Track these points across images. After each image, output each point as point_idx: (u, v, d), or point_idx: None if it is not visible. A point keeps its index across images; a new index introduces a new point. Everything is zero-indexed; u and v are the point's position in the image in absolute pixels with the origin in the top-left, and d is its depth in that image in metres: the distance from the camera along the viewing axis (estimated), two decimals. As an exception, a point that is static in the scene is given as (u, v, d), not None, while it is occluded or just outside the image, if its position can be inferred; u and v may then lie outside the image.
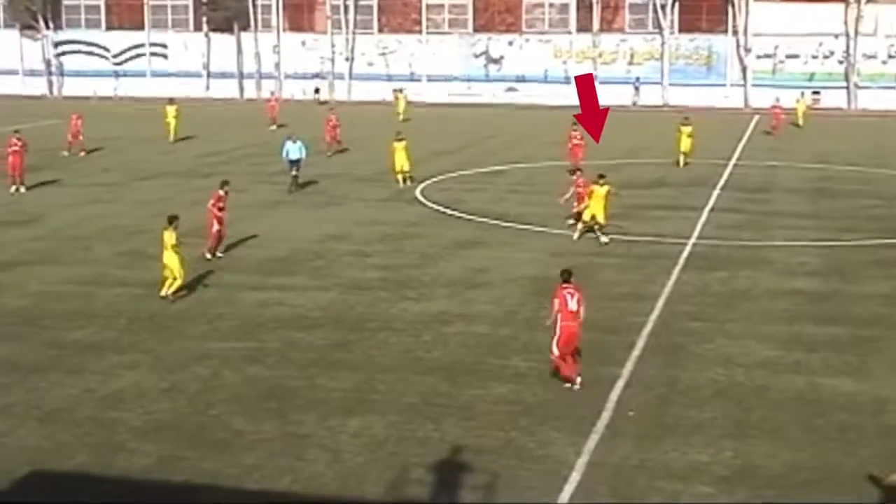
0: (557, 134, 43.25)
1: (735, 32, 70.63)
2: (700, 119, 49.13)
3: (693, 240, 29.01)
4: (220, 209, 26.83)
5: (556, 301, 17.17)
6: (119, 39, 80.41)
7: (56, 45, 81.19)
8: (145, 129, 54.87)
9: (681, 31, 71.81)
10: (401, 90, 64.57)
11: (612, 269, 25.78)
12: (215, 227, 26.56)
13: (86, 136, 46.80)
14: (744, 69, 70.82)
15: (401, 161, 37.75)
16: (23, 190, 36.59)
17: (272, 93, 66.37)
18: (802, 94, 63.07)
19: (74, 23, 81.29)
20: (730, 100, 70.49)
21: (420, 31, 76.01)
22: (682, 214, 32.78)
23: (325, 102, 69.34)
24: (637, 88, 71.54)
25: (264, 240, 28.86)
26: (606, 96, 66.19)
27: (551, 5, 74.47)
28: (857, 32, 68.35)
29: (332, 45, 76.68)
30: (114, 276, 25.02)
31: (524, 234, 29.93)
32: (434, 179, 39.41)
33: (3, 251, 27.54)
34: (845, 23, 68.65)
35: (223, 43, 78.51)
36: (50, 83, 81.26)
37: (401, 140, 38.18)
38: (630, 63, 72.74)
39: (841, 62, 69.51)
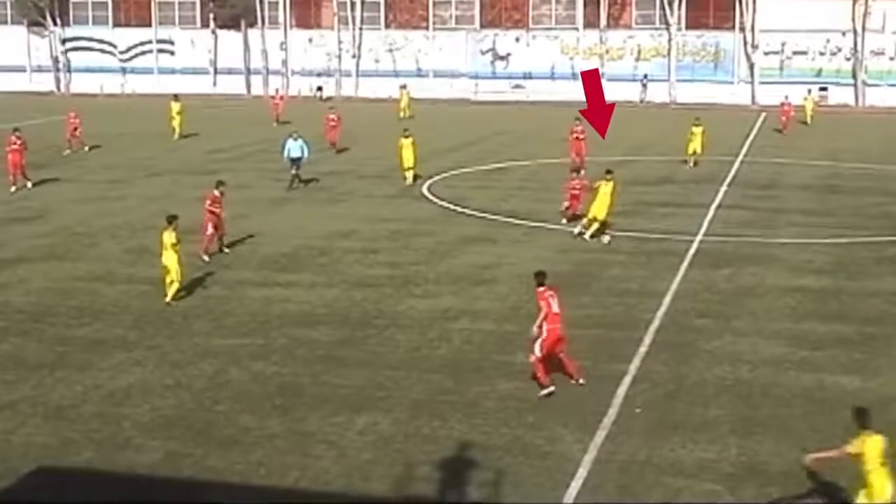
0: (564, 131, 43.15)
1: (742, 29, 70.48)
2: (707, 116, 49.07)
3: (700, 236, 28.94)
4: (217, 209, 26.66)
5: (543, 304, 17.06)
6: (126, 36, 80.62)
7: (63, 41, 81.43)
8: (152, 125, 54.92)
9: (688, 27, 71.74)
10: (404, 86, 64.46)
11: (619, 265, 25.73)
12: (209, 229, 26.32)
13: (85, 133, 46.78)
14: (751, 66, 70.69)
15: (408, 158, 37.73)
16: (29, 186, 36.65)
17: (277, 90, 66.34)
18: (810, 91, 62.99)
19: (82, 19, 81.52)
20: (737, 96, 70.37)
21: (427, 28, 76.04)
22: (690, 211, 32.71)
23: (328, 99, 69.29)
24: (645, 85, 71.45)
25: (270, 237, 28.83)
26: (613, 93, 66.07)
27: (558, 2, 74.38)
28: (864, 29, 68.17)
29: (339, 42, 76.74)
30: (120, 272, 24.99)
31: (531, 231, 29.88)
32: (441, 176, 39.38)
33: (9, 248, 27.55)
34: (853, 19, 68.43)
35: (230, 39, 78.62)
36: (57, 80, 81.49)
37: (408, 136, 38.15)
38: (637, 59, 72.65)
39: (848, 59, 69.35)
